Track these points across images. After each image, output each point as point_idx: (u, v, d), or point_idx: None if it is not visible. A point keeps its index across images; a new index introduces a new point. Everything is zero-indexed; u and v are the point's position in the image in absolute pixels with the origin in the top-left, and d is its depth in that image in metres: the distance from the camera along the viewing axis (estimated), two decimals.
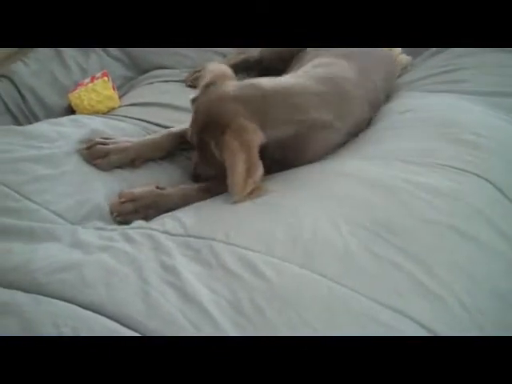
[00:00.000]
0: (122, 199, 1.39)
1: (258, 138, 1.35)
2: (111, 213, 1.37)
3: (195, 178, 1.54)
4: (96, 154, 1.48)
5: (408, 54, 2.01)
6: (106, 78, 1.90)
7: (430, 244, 1.14)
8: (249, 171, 1.32)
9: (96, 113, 1.84)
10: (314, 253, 1.10)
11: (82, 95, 1.86)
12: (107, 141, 1.52)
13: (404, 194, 1.24)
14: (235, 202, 1.30)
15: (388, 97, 1.77)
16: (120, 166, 1.50)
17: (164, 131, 1.62)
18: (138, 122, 1.72)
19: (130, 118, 1.75)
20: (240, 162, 1.31)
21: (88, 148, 1.50)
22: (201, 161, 1.48)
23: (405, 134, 1.48)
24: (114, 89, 1.92)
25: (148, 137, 1.60)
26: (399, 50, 2.01)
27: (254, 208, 1.26)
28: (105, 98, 1.86)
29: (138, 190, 1.41)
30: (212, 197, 1.39)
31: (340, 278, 1.05)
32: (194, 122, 1.44)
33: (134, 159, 1.52)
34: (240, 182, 1.30)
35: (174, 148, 1.60)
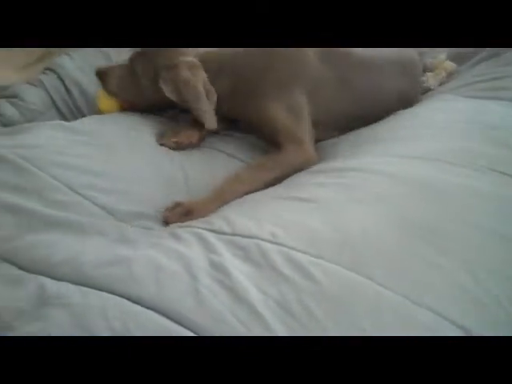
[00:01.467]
0: (176, 212, 1.38)
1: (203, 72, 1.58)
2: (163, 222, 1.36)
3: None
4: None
5: (453, 61, 1.99)
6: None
7: (475, 248, 1.13)
8: (207, 95, 1.57)
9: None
10: (362, 255, 1.10)
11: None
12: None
13: (450, 196, 1.23)
14: (211, 127, 1.54)
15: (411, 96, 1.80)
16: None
17: None
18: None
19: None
20: (199, 87, 1.56)
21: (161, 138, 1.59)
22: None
23: (448, 135, 1.47)
24: None
25: None
26: (444, 56, 2.00)
27: (299, 206, 1.26)
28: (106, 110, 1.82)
29: (193, 204, 1.40)
30: None
31: (386, 281, 1.05)
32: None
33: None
34: (208, 109, 1.55)
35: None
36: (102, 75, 1.71)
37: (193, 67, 1.57)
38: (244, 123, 1.68)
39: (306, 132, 1.58)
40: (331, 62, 1.66)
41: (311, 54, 1.65)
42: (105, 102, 1.77)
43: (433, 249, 1.11)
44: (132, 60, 1.67)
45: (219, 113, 1.59)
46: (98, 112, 1.80)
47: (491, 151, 1.36)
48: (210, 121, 1.56)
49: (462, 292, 1.04)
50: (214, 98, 1.58)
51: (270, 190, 1.42)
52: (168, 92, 1.57)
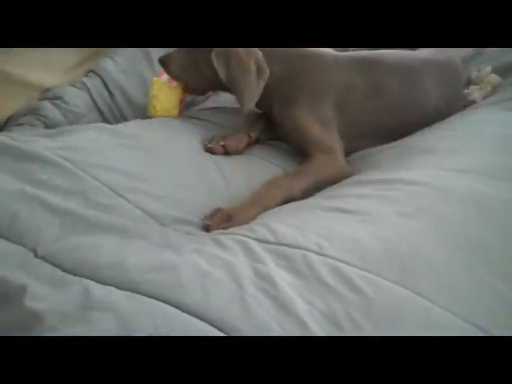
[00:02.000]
0: (216, 218, 1.37)
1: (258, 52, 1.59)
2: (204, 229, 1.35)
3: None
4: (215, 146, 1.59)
5: (498, 74, 1.96)
6: (155, 79, 1.84)
7: None
8: (259, 71, 1.58)
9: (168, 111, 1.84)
10: (411, 270, 1.08)
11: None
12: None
13: (504, 214, 1.21)
14: (245, 111, 1.58)
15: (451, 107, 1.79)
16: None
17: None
18: (218, 126, 1.73)
19: (211, 122, 1.75)
20: (251, 64, 1.57)
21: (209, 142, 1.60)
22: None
23: (498, 149, 1.45)
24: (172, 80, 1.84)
25: None
26: (489, 69, 1.97)
27: (344, 217, 1.25)
28: (164, 101, 1.84)
29: (232, 210, 1.39)
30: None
31: (436, 298, 1.03)
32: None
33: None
34: (254, 82, 1.56)
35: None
36: (164, 62, 1.73)
37: (245, 48, 1.57)
38: (275, 124, 1.69)
39: (335, 142, 1.60)
40: (364, 70, 1.66)
41: (345, 62, 1.65)
42: (164, 97, 1.80)
43: (486, 269, 1.09)
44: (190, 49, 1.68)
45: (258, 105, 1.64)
46: (149, 111, 1.82)
47: None
48: (249, 100, 1.58)
49: None
50: (266, 75, 1.59)
51: (311, 200, 1.41)
52: (217, 65, 1.58)
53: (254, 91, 1.57)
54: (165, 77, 1.83)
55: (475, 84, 1.95)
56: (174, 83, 1.82)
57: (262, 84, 1.58)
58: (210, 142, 1.59)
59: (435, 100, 1.74)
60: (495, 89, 1.93)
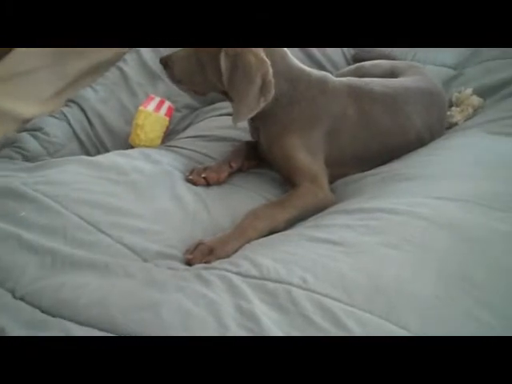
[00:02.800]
0: (198, 251, 1.33)
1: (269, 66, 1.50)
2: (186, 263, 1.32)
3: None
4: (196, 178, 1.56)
5: (479, 95, 1.97)
6: (141, 108, 1.87)
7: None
8: (263, 88, 1.49)
9: (151, 141, 1.85)
10: (396, 304, 1.06)
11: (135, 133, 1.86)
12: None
13: (489, 243, 1.20)
14: (236, 123, 1.51)
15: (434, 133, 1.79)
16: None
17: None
18: (200, 155, 1.72)
19: (193, 151, 1.74)
20: (257, 77, 1.48)
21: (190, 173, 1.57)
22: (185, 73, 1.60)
23: (482, 176, 1.44)
24: (158, 110, 1.88)
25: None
26: (470, 91, 1.98)
27: (327, 248, 1.23)
28: (149, 131, 1.84)
29: (214, 242, 1.36)
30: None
31: (422, 331, 1.02)
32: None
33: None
34: (255, 97, 1.48)
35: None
36: (167, 63, 1.63)
37: (257, 56, 1.49)
38: (261, 148, 1.66)
39: (321, 171, 1.59)
40: (354, 97, 1.65)
41: (340, 89, 1.65)
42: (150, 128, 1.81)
43: (472, 300, 1.08)
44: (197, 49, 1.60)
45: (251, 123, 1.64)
46: (132, 140, 1.83)
47: None
48: (245, 113, 1.52)
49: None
50: (270, 95, 1.51)
51: (295, 230, 1.40)
52: (223, 65, 1.49)
53: (251, 105, 1.49)
54: (151, 106, 1.83)
55: (456, 106, 1.96)
56: (161, 114, 1.82)
57: (263, 104, 1.50)
58: (191, 173, 1.57)
59: (419, 128, 1.73)
60: (476, 110, 1.93)
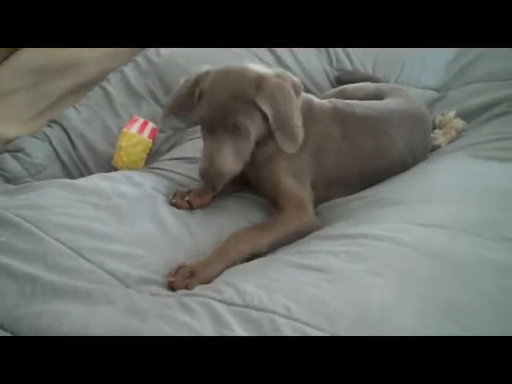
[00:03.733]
0: (180, 274, 1.32)
1: None
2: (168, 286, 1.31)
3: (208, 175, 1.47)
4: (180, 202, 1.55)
5: (461, 118, 1.98)
6: (124, 130, 1.86)
7: (501, 327, 1.10)
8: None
9: (134, 163, 1.84)
10: (380, 333, 1.05)
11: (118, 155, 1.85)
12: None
13: (473, 271, 1.20)
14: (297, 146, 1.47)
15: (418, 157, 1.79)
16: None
17: None
18: (184, 178, 1.71)
19: (176, 173, 1.73)
20: (295, 106, 1.49)
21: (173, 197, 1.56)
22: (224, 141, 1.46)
23: (466, 201, 1.44)
24: (141, 131, 1.87)
25: None
26: (453, 113, 1.99)
27: (311, 276, 1.22)
28: (132, 153, 1.84)
29: (196, 264, 1.35)
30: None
31: None
32: (212, 100, 1.46)
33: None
34: (300, 125, 1.48)
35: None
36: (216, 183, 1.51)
37: (276, 75, 1.50)
38: (249, 172, 1.62)
39: (307, 196, 1.58)
40: (338, 119, 1.65)
41: (325, 111, 1.65)
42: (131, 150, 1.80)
43: (457, 327, 1.07)
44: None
45: None
46: (115, 161, 1.82)
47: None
48: (298, 133, 1.49)
49: None
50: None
51: (279, 255, 1.39)
52: (266, 107, 1.44)
53: (299, 120, 1.50)
54: (134, 128, 1.83)
55: (440, 128, 1.96)
56: (144, 136, 1.81)
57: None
58: (174, 196, 1.56)
59: (402, 151, 1.74)
60: (459, 133, 1.94)
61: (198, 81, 1.51)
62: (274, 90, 1.46)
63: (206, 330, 1.07)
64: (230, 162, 1.45)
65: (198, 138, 1.94)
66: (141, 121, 1.88)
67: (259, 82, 1.45)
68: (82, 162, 1.87)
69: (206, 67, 1.53)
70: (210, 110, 1.46)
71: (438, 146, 1.90)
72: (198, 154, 1.73)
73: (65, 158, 1.86)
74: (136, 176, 1.65)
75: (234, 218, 1.57)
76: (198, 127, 2.00)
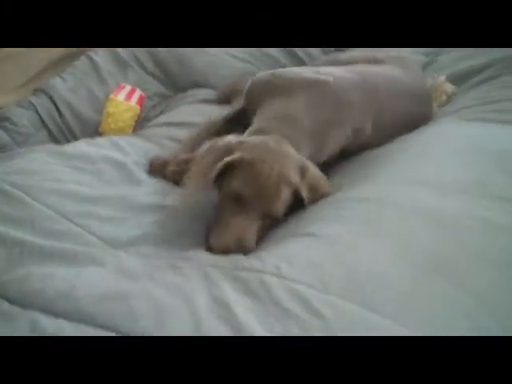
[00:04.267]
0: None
1: None
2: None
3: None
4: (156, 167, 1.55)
5: (451, 82, 1.97)
6: (111, 96, 1.86)
7: (490, 283, 1.09)
8: None
9: (122, 130, 1.83)
10: (372, 292, 1.05)
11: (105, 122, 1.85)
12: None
13: (464, 229, 1.19)
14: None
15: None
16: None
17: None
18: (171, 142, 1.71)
19: (163, 137, 1.73)
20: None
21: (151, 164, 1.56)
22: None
23: (459, 163, 1.42)
24: (129, 98, 1.86)
25: None
26: (443, 78, 1.97)
27: (305, 239, 1.22)
28: (120, 119, 1.83)
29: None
30: None
31: (399, 318, 1.00)
32: (253, 177, 1.32)
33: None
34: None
35: None
36: None
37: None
38: None
39: None
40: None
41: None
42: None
43: (447, 284, 1.07)
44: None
45: None
46: (102, 128, 1.82)
47: (504, 181, 1.32)
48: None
49: (480, 331, 0.99)
50: None
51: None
52: (306, 194, 1.37)
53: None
54: (122, 95, 1.81)
55: None
56: (132, 102, 1.80)
57: None
58: (151, 166, 1.56)
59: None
60: (450, 97, 1.93)
61: (230, 149, 1.37)
62: (314, 177, 1.40)
63: (196, 289, 1.07)
64: (255, 242, 1.31)
65: (186, 104, 1.95)
66: (128, 88, 1.87)
67: (303, 170, 1.38)
68: (69, 129, 1.86)
69: (232, 137, 1.43)
70: (247, 187, 1.32)
71: None
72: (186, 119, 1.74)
73: (51, 125, 1.84)
74: (121, 141, 1.64)
75: None
76: (186, 93, 2.01)
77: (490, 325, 1.01)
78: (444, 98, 1.91)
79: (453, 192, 1.29)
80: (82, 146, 1.58)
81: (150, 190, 1.46)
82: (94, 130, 1.83)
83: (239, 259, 1.17)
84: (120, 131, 1.79)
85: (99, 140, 1.65)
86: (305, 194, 1.36)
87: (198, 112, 1.87)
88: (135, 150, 1.60)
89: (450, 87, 1.94)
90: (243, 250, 1.26)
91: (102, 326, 0.99)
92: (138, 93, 1.87)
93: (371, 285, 1.06)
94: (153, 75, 2.08)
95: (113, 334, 0.97)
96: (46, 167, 1.43)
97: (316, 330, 0.97)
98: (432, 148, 1.51)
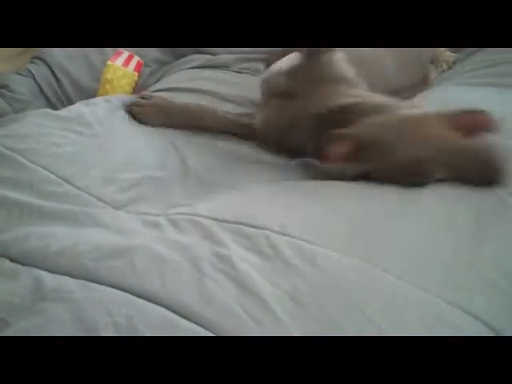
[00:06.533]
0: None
1: None
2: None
3: None
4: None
5: (452, 51, 1.96)
6: (109, 62, 1.86)
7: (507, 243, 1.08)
8: None
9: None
10: (376, 248, 1.05)
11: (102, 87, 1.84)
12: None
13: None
14: None
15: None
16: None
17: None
18: None
19: None
20: None
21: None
22: None
23: None
24: (126, 65, 1.86)
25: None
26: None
27: (311, 197, 1.22)
28: (117, 86, 1.83)
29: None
30: None
31: (403, 273, 0.99)
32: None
33: None
34: None
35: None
36: None
37: None
38: None
39: None
40: None
41: None
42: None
43: (450, 239, 1.06)
44: None
45: None
46: (100, 94, 1.81)
47: None
48: None
49: (492, 289, 0.99)
50: None
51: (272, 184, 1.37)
52: None
53: None
54: (120, 61, 1.80)
55: (431, 63, 1.93)
56: (129, 69, 1.79)
57: None
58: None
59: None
60: (450, 67, 1.92)
61: None
62: None
63: (198, 245, 1.05)
64: None
65: (185, 69, 1.93)
66: (126, 54, 1.86)
67: None
68: (67, 96, 1.87)
69: None
70: None
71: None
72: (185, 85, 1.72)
73: (49, 93, 1.86)
74: (115, 100, 1.64)
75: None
76: (184, 59, 2.00)
77: (497, 280, 1.00)
78: (445, 67, 1.91)
79: None
80: (77, 108, 1.57)
81: (149, 147, 1.47)
82: (91, 97, 1.80)
83: (243, 214, 1.15)
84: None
85: (95, 100, 1.65)
86: None
87: (196, 77, 1.86)
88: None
89: (450, 56, 1.93)
90: None
91: (103, 282, 0.97)
92: (135, 59, 1.87)
93: (375, 242, 1.06)
94: None
95: (113, 290, 0.96)
96: (42, 130, 1.43)
97: (322, 285, 0.96)
98: None
